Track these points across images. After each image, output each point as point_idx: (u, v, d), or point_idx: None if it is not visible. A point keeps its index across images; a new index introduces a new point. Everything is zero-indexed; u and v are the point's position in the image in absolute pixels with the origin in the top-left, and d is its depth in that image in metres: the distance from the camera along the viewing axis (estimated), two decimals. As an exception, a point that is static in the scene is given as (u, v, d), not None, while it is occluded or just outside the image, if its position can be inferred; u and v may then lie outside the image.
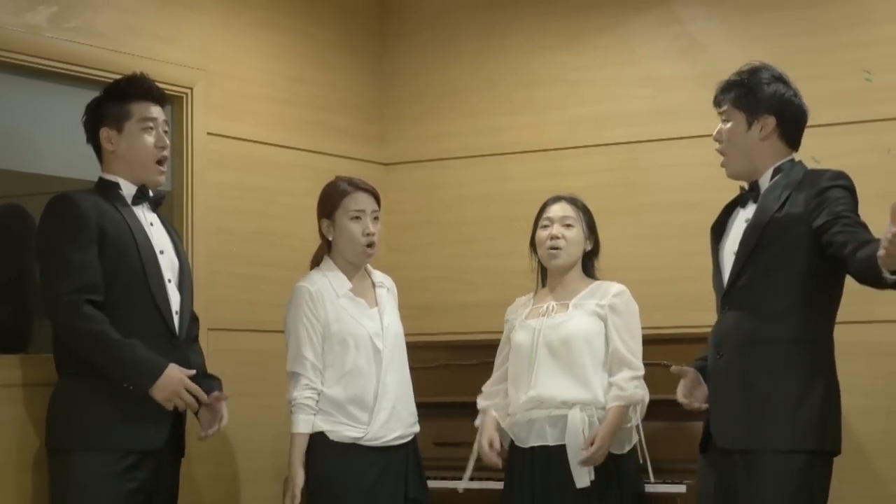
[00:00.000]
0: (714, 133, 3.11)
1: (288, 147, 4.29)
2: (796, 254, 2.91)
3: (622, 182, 4.22)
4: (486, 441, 3.52)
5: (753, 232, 2.96)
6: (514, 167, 4.45)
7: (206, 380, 3.26)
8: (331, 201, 3.48)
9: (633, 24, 4.33)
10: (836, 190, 2.90)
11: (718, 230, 3.14)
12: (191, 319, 3.29)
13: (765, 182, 3.03)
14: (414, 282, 3.79)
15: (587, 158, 4.33)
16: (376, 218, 3.49)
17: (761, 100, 3.03)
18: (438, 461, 3.77)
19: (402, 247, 3.73)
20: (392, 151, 4.64)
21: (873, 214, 3.90)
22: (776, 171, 3.03)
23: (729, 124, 3.06)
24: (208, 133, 3.99)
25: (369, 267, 3.57)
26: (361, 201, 3.48)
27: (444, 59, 4.61)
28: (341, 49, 4.52)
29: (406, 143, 4.63)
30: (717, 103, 3.10)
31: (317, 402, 3.34)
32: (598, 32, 4.38)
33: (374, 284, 3.54)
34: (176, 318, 3.15)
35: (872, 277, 2.63)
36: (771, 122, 3.03)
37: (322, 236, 3.50)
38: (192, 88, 3.93)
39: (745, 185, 3.09)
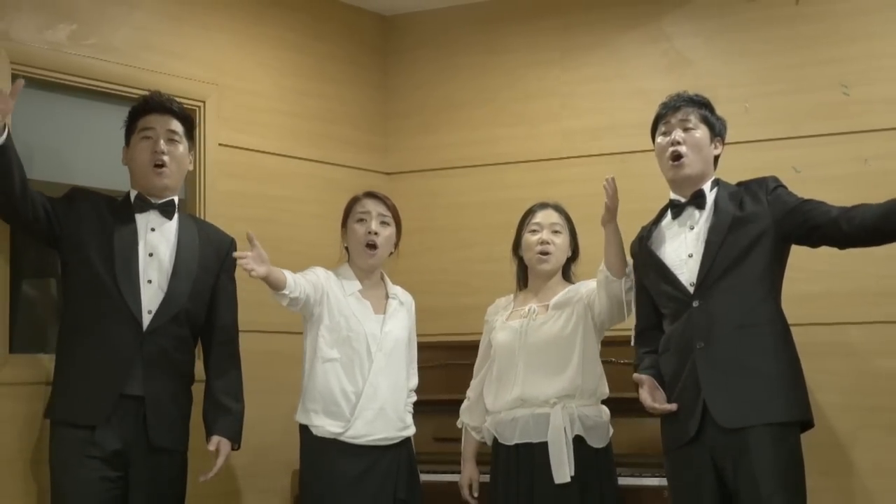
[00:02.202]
0: (675, 136, 3.20)
1: (295, 157, 4.32)
2: (761, 246, 3.10)
3: (613, 190, 4.24)
4: (466, 482, 3.62)
5: (718, 231, 3.12)
6: (509, 176, 4.48)
7: (219, 415, 3.33)
8: (345, 212, 3.57)
9: (623, 40, 4.37)
10: (783, 188, 3.17)
11: (646, 243, 3.26)
12: (213, 331, 3.37)
13: (707, 191, 3.22)
14: (415, 285, 3.81)
15: (579, 168, 4.36)
16: (383, 222, 3.53)
17: (718, 125, 3.27)
18: (438, 455, 3.80)
19: (404, 252, 3.76)
20: (394, 161, 4.67)
21: (850, 221, 3.93)
22: (714, 184, 3.23)
23: (698, 133, 3.22)
24: (220, 144, 4.03)
25: (387, 279, 3.61)
26: (367, 205, 3.54)
27: (443, 74, 4.63)
28: (346, 64, 4.55)
29: (407, 154, 4.66)
30: (685, 112, 3.24)
31: (296, 283, 3.32)
32: (590, 49, 4.41)
33: (387, 295, 3.57)
34: (147, 316, 3.19)
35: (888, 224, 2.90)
36: (720, 145, 3.27)
37: (343, 247, 3.58)
38: (204, 102, 3.97)
39: (681, 198, 3.23)
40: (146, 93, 3.40)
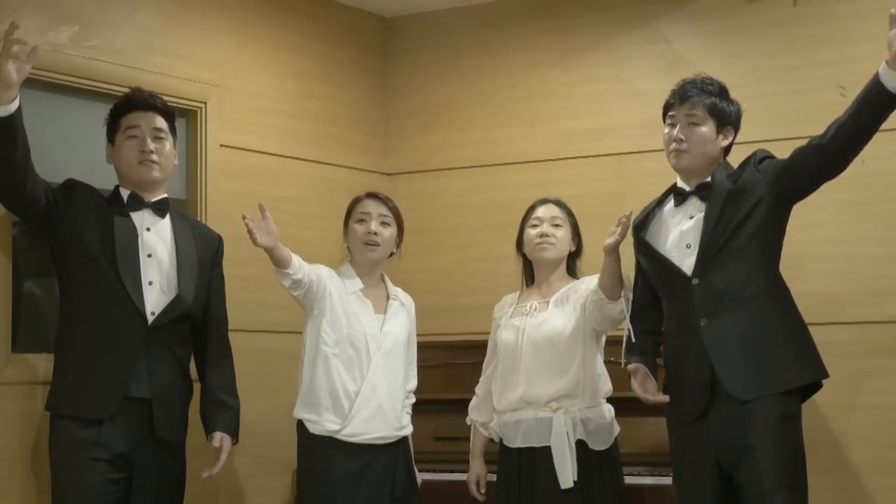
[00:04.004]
0: (677, 132, 3.14)
1: (296, 158, 4.31)
2: (757, 213, 3.05)
3: (611, 191, 4.22)
4: (474, 479, 3.60)
5: (714, 207, 3.09)
6: (509, 177, 4.46)
7: (219, 411, 3.31)
8: (347, 212, 3.56)
9: (621, 42, 4.35)
10: (774, 159, 3.14)
11: (645, 233, 3.22)
12: (207, 328, 3.35)
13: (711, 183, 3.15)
14: (415, 285, 3.80)
15: (578, 169, 4.34)
16: (384, 222, 3.51)
17: (730, 113, 3.19)
18: (438, 454, 3.79)
19: (404, 252, 3.75)
20: (394, 162, 4.65)
21: (848, 222, 3.96)
22: (717, 173, 3.17)
23: (703, 128, 3.15)
24: (221, 145, 4.01)
25: (388, 280, 3.60)
26: (368, 205, 3.53)
27: (443, 76, 4.62)
28: (347, 66, 4.54)
29: (407, 155, 4.64)
30: (692, 104, 3.16)
31: (301, 265, 3.33)
32: (589, 51, 4.40)
33: (388, 296, 3.55)
34: (150, 317, 3.16)
35: (873, 106, 2.92)
36: (730, 134, 3.20)
37: (345, 247, 3.57)
38: (205, 103, 3.95)
39: (686, 186, 3.18)
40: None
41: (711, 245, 3.06)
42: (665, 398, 3.12)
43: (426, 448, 3.70)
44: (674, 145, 3.16)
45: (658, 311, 3.25)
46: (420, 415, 3.58)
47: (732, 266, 3.04)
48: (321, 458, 3.35)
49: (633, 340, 3.21)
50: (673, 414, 3.16)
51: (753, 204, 3.07)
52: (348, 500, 3.31)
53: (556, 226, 3.54)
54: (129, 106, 3.27)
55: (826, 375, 3.09)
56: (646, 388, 3.15)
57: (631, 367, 3.18)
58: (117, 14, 3.71)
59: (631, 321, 3.27)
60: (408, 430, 3.50)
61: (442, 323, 4.27)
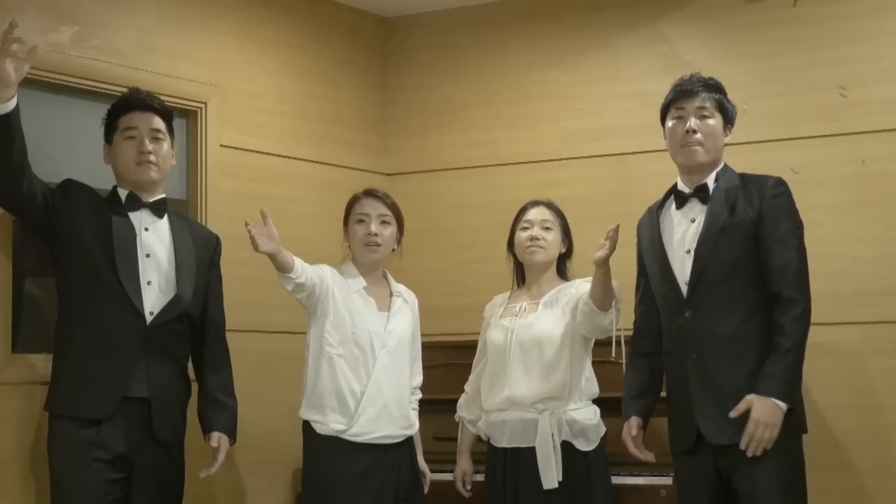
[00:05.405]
0: (692, 124, 3.11)
1: (296, 158, 4.30)
2: (752, 256, 3.00)
3: (611, 191, 4.22)
4: (460, 475, 3.62)
5: (707, 240, 3.03)
6: (509, 177, 4.45)
7: (216, 411, 3.30)
8: (346, 211, 3.55)
9: (621, 42, 4.35)
10: (781, 201, 3.03)
11: (653, 228, 3.18)
12: (205, 328, 3.34)
13: (711, 184, 3.11)
14: (415, 285, 3.79)
15: (578, 169, 4.35)
16: (384, 222, 3.51)
17: (731, 110, 3.18)
18: (438, 454, 3.78)
19: (404, 252, 3.75)
20: (394, 162, 4.65)
21: (848, 222, 3.96)
22: (717, 176, 3.12)
23: (712, 121, 3.13)
24: (221, 145, 4.00)
25: (390, 277, 3.59)
26: (366, 205, 3.51)
27: (443, 76, 4.62)
28: (347, 66, 4.53)
29: (407, 155, 4.64)
30: (702, 98, 3.13)
31: (303, 269, 3.31)
32: (589, 51, 4.39)
33: (391, 293, 3.54)
34: (149, 318, 3.15)
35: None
36: (730, 130, 3.18)
37: (346, 245, 3.56)
38: (206, 103, 3.95)
39: (686, 188, 3.14)
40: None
41: (702, 282, 3.01)
42: (651, 458, 3.17)
43: (426, 448, 3.69)
44: (690, 137, 3.09)
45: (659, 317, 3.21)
46: (420, 415, 3.58)
47: (726, 307, 3.00)
48: (327, 459, 3.34)
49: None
50: (672, 437, 3.16)
51: (747, 246, 3.00)
52: (353, 500, 3.31)
53: (547, 229, 3.54)
54: (126, 107, 3.26)
55: (800, 431, 3.04)
56: (637, 444, 3.19)
57: (624, 435, 3.20)
58: (117, 14, 3.70)
59: (634, 338, 3.28)
60: (414, 428, 3.50)
61: (442, 323, 4.27)
